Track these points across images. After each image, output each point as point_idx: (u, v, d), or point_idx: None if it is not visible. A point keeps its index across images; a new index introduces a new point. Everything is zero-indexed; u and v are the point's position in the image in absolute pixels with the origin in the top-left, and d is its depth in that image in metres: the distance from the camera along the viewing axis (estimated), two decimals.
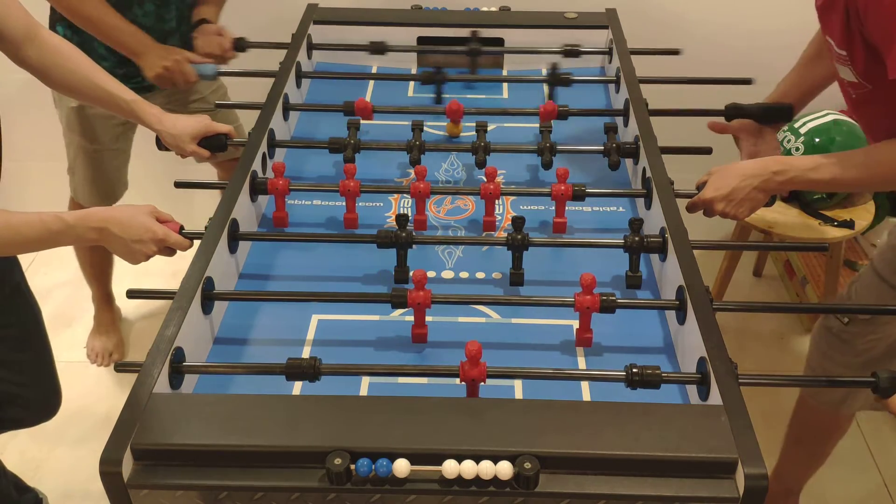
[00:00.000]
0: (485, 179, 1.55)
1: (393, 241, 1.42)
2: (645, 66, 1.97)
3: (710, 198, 1.50)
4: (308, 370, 1.18)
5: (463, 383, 1.18)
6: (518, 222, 1.44)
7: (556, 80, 1.92)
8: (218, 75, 1.99)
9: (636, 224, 1.45)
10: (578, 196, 1.55)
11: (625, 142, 1.72)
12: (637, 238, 1.43)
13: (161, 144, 1.68)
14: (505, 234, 1.45)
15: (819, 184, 1.46)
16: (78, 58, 1.56)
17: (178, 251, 1.40)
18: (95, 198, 2.23)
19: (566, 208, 1.57)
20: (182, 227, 1.41)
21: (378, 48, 2.04)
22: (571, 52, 2.05)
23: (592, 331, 1.32)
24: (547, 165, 1.68)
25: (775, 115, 1.74)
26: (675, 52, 2.08)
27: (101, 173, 2.23)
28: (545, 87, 2.04)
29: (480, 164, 1.67)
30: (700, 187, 1.55)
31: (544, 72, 2.13)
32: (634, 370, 1.17)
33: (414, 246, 1.45)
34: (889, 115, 1.40)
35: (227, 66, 2.06)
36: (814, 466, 1.99)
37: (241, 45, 2.05)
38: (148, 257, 1.37)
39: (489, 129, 1.80)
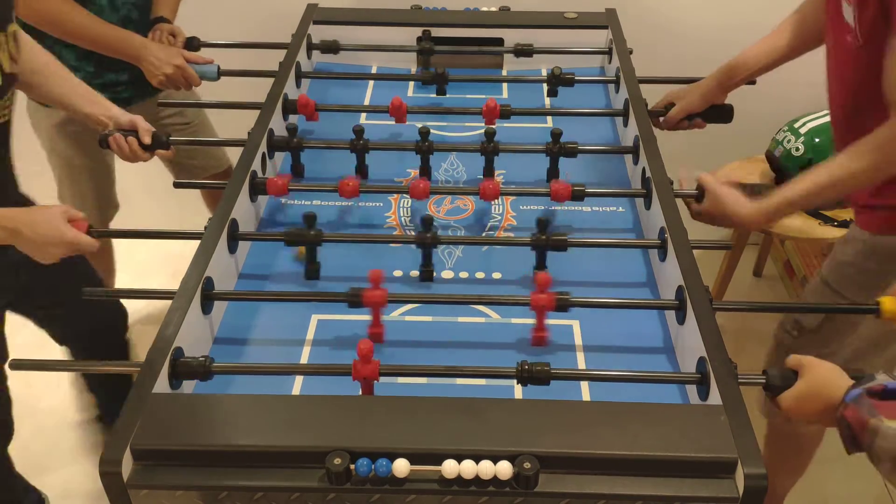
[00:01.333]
0: (484, 180, 1.56)
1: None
2: (645, 65, 1.97)
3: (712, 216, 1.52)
4: (198, 368, 1.18)
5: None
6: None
7: (559, 80, 1.92)
8: (220, 75, 1.98)
9: (543, 223, 1.45)
10: (578, 196, 1.55)
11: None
12: (544, 237, 1.43)
13: (104, 143, 1.65)
14: (511, 235, 1.45)
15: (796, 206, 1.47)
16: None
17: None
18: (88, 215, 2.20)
19: (565, 208, 1.57)
20: (91, 227, 1.40)
21: (330, 47, 2.06)
22: (522, 51, 2.05)
23: (548, 330, 1.32)
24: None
25: (718, 114, 1.80)
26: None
27: (91, 190, 2.19)
28: (544, 87, 2.04)
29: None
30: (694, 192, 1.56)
31: (544, 72, 2.13)
32: (525, 367, 1.18)
33: (440, 246, 1.45)
34: (867, 75, 1.39)
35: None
36: (794, 476, 1.99)
37: (192, 44, 2.03)
38: (57, 258, 1.38)
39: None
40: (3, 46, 1.37)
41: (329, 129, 1.84)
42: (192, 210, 2.62)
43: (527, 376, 1.18)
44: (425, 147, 1.68)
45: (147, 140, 1.64)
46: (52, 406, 2.35)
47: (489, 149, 1.67)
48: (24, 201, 1.63)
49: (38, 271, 1.51)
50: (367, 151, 1.70)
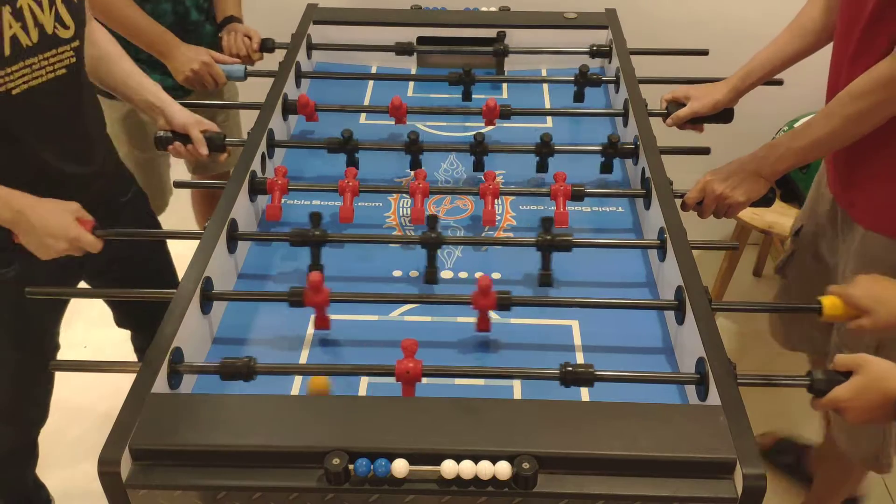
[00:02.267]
0: (484, 180, 1.56)
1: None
2: (645, 66, 1.97)
3: (709, 179, 1.52)
4: (242, 369, 1.18)
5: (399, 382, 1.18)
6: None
7: (586, 80, 1.91)
8: (247, 76, 1.98)
9: (547, 223, 1.45)
10: (577, 196, 1.55)
11: (625, 142, 1.72)
12: (548, 236, 1.43)
13: (161, 146, 1.66)
14: (511, 235, 1.45)
15: (806, 151, 1.47)
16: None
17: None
18: None
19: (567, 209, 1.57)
20: (96, 226, 1.40)
21: (405, 49, 2.04)
22: (599, 52, 2.05)
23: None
24: (542, 167, 1.68)
25: (718, 115, 1.81)
26: (703, 53, 2.08)
27: (153, 181, 2.21)
28: (544, 87, 2.04)
29: (478, 166, 1.67)
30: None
31: (544, 72, 2.13)
32: (568, 368, 1.17)
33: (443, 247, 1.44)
34: None
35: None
36: (842, 498, 2.01)
37: (268, 45, 2.04)
38: (58, 253, 1.37)
39: (486, 130, 1.81)
40: (47, 8, 1.37)
41: (329, 129, 1.84)
42: (192, 210, 2.63)
43: (570, 378, 1.18)
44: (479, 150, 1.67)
45: (204, 151, 1.64)
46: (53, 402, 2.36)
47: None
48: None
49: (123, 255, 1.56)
50: (421, 153, 1.68)
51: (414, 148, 1.68)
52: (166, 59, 1.92)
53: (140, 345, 1.98)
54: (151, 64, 1.96)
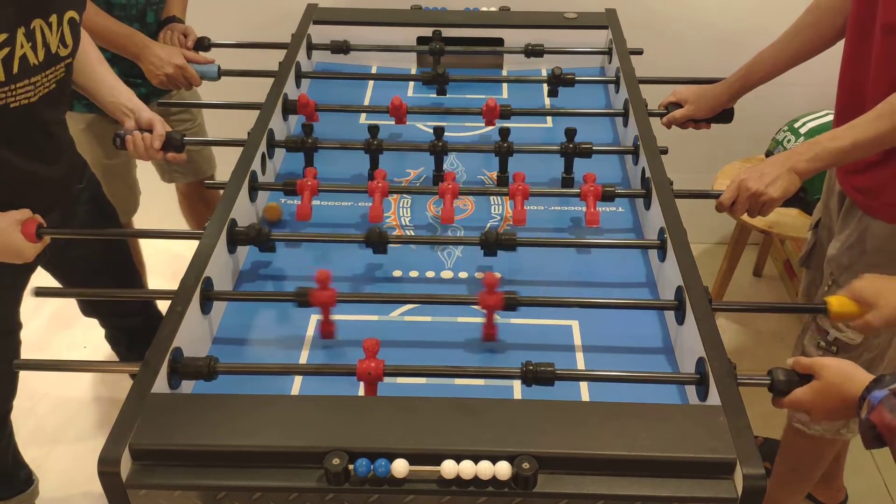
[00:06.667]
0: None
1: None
2: (645, 66, 1.97)
3: (743, 178, 1.50)
4: (203, 369, 1.18)
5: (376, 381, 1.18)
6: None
7: (559, 80, 1.91)
8: (221, 75, 1.98)
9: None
10: (608, 196, 1.55)
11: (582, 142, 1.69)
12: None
13: (120, 141, 1.65)
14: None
15: (844, 152, 1.43)
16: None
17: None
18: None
19: (566, 208, 1.57)
20: (41, 225, 1.41)
21: (340, 48, 2.05)
22: (533, 51, 2.04)
23: (496, 327, 1.33)
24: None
25: (718, 115, 1.81)
26: (637, 53, 2.07)
27: (121, 185, 2.21)
28: (544, 87, 2.04)
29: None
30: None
31: (544, 72, 2.13)
32: (530, 367, 1.17)
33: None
34: None
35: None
36: (808, 488, 1.99)
37: (203, 44, 2.03)
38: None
39: (485, 130, 1.80)
40: (55, 29, 1.40)
41: (329, 129, 1.84)
42: (167, 210, 2.62)
43: (531, 377, 1.18)
44: (439, 147, 1.67)
45: (157, 145, 1.63)
46: (53, 402, 2.36)
47: (503, 149, 1.66)
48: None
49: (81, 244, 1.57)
50: (381, 152, 1.68)
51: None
52: (139, 61, 1.91)
53: (111, 334, 1.98)
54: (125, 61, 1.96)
